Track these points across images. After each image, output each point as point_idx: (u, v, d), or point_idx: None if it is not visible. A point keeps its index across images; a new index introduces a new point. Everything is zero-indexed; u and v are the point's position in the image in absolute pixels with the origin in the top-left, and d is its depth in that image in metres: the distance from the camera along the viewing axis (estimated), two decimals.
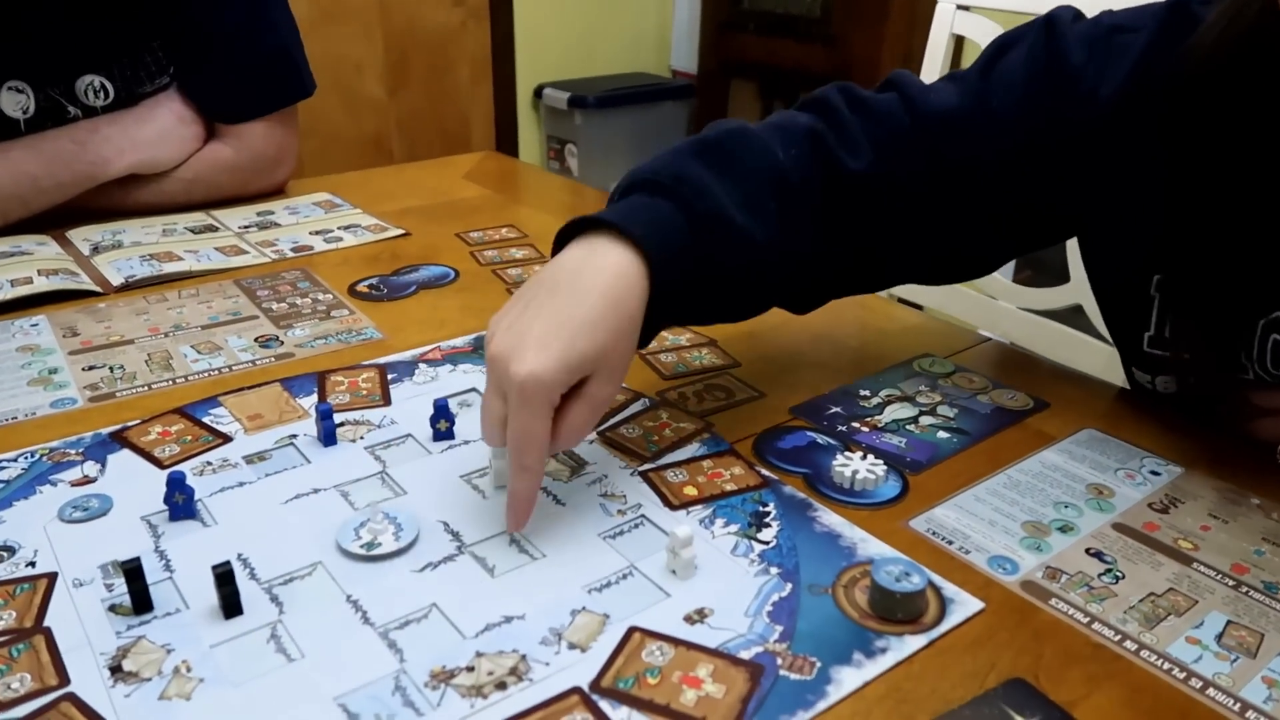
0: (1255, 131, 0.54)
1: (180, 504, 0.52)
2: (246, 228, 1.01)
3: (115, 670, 0.42)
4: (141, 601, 0.46)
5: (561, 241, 0.56)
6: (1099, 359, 1.12)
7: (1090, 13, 0.63)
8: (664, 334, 0.77)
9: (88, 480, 0.56)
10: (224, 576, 0.45)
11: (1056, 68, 0.60)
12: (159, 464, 0.58)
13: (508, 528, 0.51)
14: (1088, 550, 0.52)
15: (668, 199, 0.55)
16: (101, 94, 0.98)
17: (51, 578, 0.48)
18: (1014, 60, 0.61)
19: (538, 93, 2.96)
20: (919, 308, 1.26)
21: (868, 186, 0.60)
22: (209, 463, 0.58)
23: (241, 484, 0.56)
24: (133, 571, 0.45)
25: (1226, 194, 0.56)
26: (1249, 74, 0.53)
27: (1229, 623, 0.47)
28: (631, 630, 0.45)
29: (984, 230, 0.64)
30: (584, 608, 0.46)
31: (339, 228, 1.01)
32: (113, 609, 0.46)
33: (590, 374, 0.50)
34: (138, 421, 0.62)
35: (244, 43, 1.05)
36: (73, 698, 0.41)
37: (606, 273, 0.51)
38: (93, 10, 0.95)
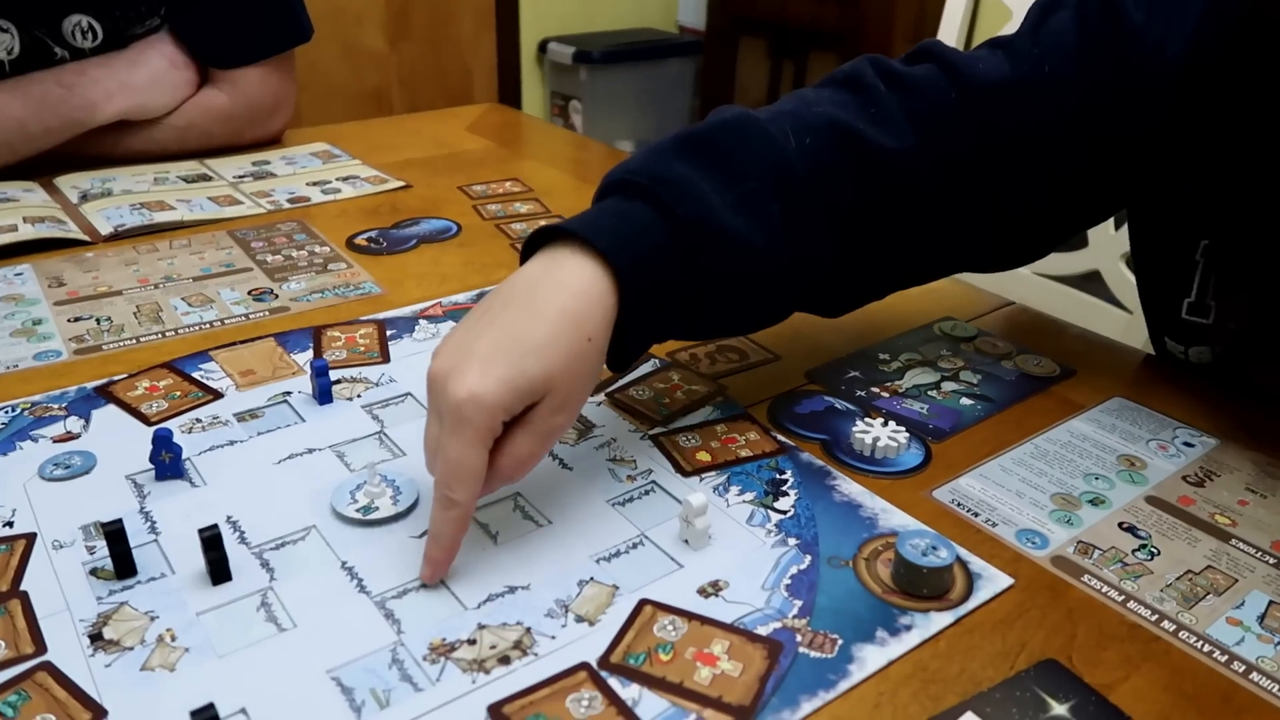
0: None
1: (167, 463, 0.50)
2: (241, 177, 0.97)
3: (95, 638, 0.40)
4: (124, 565, 0.43)
5: (530, 251, 0.50)
6: (1116, 326, 1.10)
7: None
8: None
9: (70, 436, 0.53)
10: (211, 540, 0.42)
11: (1116, 27, 0.55)
12: (145, 420, 0.55)
13: (421, 576, 0.44)
14: (1120, 524, 0.50)
15: (645, 202, 0.49)
16: (90, 35, 0.94)
17: (30, 539, 0.46)
18: (1063, 22, 0.56)
19: (542, 48, 2.89)
20: None
21: (910, 167, 0.54)
22: (198, 420, 0.55)
23: (232, 443, 0.53)
24: (115, 534, 0.43)
25: (1274, 150, 0.53)
26: None
27: (1271, 603, 0.44)
28: (642, 603, 0.43)
29: (1045, 205, 0.59)
30: (592, 578, 0.44)
31: (337, 179, 0.98)
32: (94, 573, 0.43)
33: (540, 401, 0.44)
34: (124, 376, 0.59)
35: None
36: (49, 667, 0.38)
37: (566, 290, 0.45)
38: None
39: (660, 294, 0.48)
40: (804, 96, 0.57)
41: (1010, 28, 1.16)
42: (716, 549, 0.46)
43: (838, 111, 0.54)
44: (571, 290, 0.46)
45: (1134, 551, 0.48)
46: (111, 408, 0.56)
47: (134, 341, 0.64)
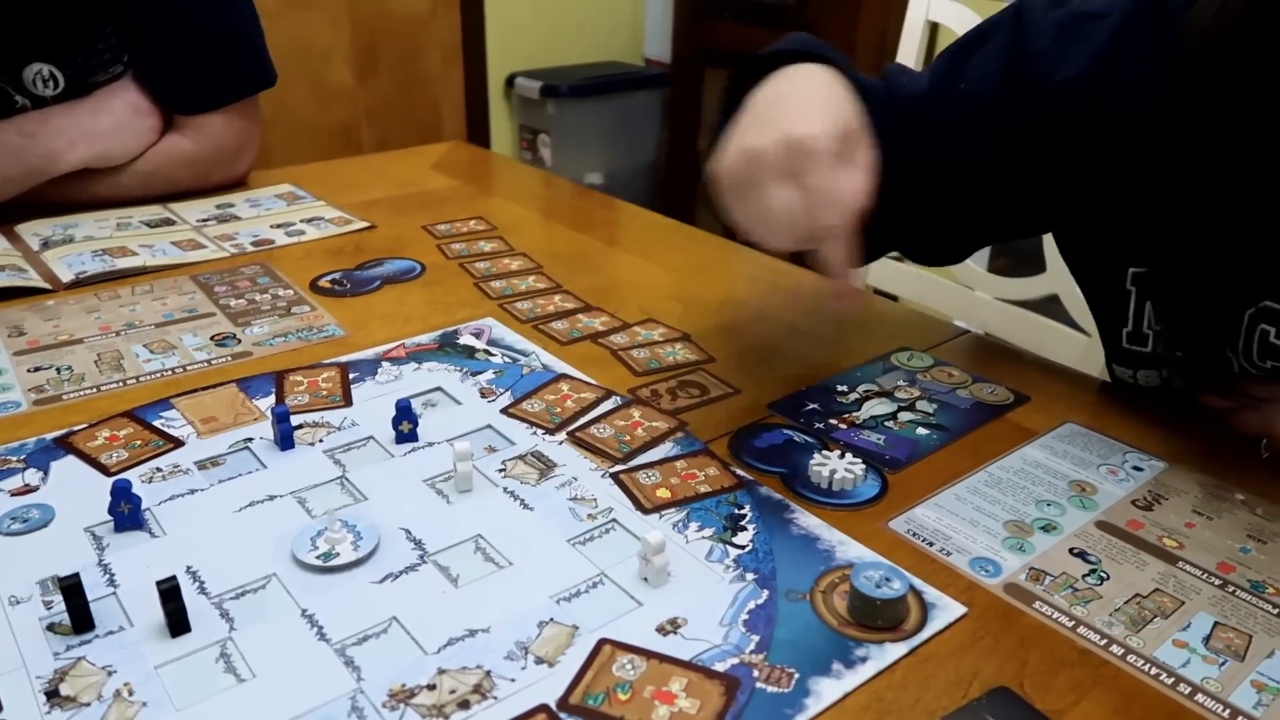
0: (1253, 116, 0.53)
1: (126, 514, 0.50)
2: (205, 221, 0.97)
3: (52, 695, 0.40)
4: (81, 620, 0.43)
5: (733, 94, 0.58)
6: (1075, 349, 1.12)
7: None
8: (636, 329, 0.74)
9: (28, 489, 0.53)
10: (169, 592, 0.43)
11: (1019, 54, 0.61)
12: (105, 471, 0.55)
13: (848, 310, 0.53)
14: (1071, 550, 0.51)
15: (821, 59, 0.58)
16: (51, 83, 0.94)
17: None
18: (989, 49, 0.63)
19: (509, 82, 2.92)
20: (894, 298, 1.24)
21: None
22: (159, 469, 0.55)
23: (192, 491, 0.53)
24: (71, 588, 0.43)
25: (1219, 182, 0.55)
26: (1245, 56, 0.51)
27: (1216, 624, 0.46)
28: (602, 643, 0.43)
29: (967, 215, 0.65)
30: (552, 619, 0.44)
31: (301, 220, 0.98)
32: (51, 628, 0.43)
33: (848, 140, 0.51)
34: (84, 426, 0.59)
35: (203, 29, 1.01)
36: None
37: (816, 75, 0.54)
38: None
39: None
40: None
41: None
42: (675, 586, 0.47)
43: None
44: (823, 79, 0.55)
45: (1084, 577, 0.49)
46: (71, 459, 0.56)
47: (95, 390, 0.64)
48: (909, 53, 1.21)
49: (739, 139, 0.53)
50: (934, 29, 1.21)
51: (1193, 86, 0.54)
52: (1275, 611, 0.46)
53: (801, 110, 0.52)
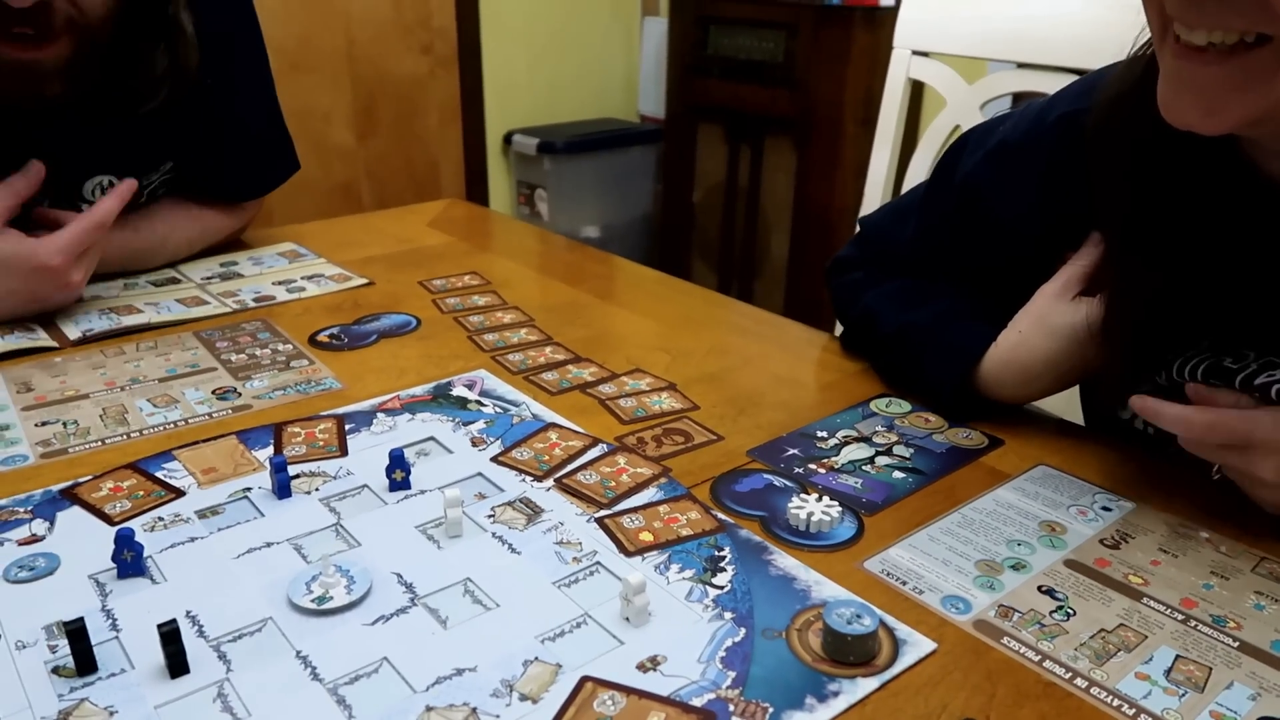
0: (1156, 172, 0.57)
1: (129, 561, 0.52)
2: (209, 279, 1.00)
3: None
4: (85, 662, 0.45)
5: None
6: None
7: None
8: (624, 379, 0.77)
9: (35, 539, 0.55)
10: (169, 635, 0.44)
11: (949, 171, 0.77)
12: (109, 521, 0.57)
13: None
14: (1040, 588, 0.52)
15: None
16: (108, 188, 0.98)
17: None
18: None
19: (507, 139, 2.98)
20: None
21: None
22: (160, 518, 0.57)
23: (193, 539, 0.55)
24: (76, 632, 0.44)
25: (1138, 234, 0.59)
26: (1141, 122, 0.55)
27: (1178, 657, 0.47)
28: (583, 680, 0.45)
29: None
30: (536, 658, 0.46)
31: (302, 277, 1.01)
32: (56, 671, 0.45)
33: None
34: (89, 478, 0.61)
35: (250, 128, 1.06)
36: None
37: None
38: (107, 117, 0.92)
39: None
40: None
41: (946, 115, 1.23)
42: (656, 625, 0.49)
43: None
44: None
45: (1051, 613, 0.50)
46: (76, 509, 0.58)
47: (100, 443, 0.67)
48: (891, 110, 1.26)
49: None
50: (918, 87, 1.26)
51: (1104, 143, 0.60)
52: (1235, 644, 0.48)
53: None
